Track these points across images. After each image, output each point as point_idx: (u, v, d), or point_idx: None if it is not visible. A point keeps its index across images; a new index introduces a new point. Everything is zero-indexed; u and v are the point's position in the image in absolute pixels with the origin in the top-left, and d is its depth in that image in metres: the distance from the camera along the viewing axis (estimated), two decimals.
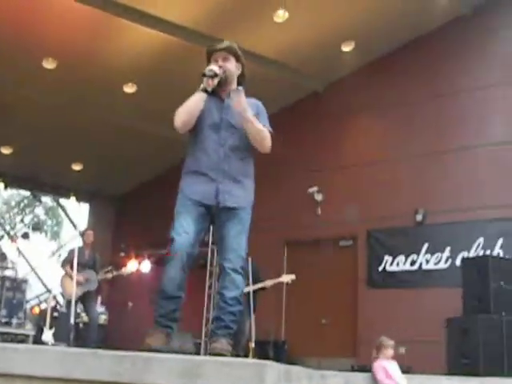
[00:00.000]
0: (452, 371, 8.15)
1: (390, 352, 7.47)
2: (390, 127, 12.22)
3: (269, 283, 9.24)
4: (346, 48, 11.74)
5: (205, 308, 12.78)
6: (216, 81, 4.30)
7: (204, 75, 4.29)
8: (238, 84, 4.46)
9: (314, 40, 11.37)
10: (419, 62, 11.77)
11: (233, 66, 4.44)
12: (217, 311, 4.15)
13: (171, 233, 4.15)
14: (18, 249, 13.95)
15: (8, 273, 11.45)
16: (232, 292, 4.12)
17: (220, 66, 4.35)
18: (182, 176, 4.37)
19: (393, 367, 7.39)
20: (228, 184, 4.25)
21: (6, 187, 15.43)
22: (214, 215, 4.27)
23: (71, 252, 10.33)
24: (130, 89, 12.09)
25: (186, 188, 4.29)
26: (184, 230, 4.13)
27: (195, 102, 4.28)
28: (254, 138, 4.29)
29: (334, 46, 11.64)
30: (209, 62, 4.45)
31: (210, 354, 3.96)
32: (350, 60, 12.15)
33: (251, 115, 4.26)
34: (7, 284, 10.98)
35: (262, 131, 4.30)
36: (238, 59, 4.49)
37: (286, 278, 9.30)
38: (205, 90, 4.27)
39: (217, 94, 4.37)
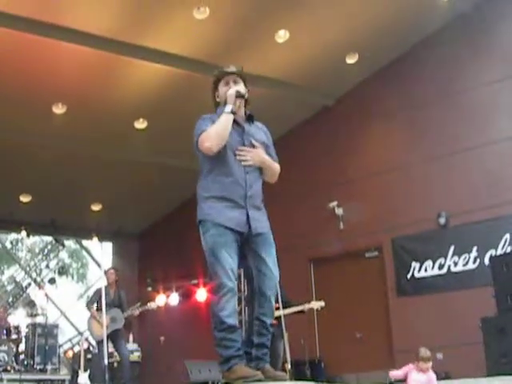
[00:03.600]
0: (492, 372, 8.03)
1: (426, 365, 7.05)
2: (402, 133, 12.18)
3: (301, 308, 9.22)
4: (351, 60, 11.74)
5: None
6: (239, 102, 4.28)
7: (239, 95, 4.24)
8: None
9: (317, 56, 11.37)
10: (424, 65, 11.72)
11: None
12: (259, 338, 4.21)
13: (219, 273, 4.04)
14: (46, 295, 13.95)
15: (38, 320, 11.46)
16: (271, 319, 4.25)
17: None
18: (205, 200, 4.24)
19: (418, 378, 7.06)
20: (253, 211, 4.24)
21: (28, 235, 15.49)
22: (243, 242, 4.24)
23: (96, 292, 10.34)
24: (140, 124, 12.15)
25: (216, 215, 4.16)
26: (231, 268, 4.08)
27: (227, 125, 4.17)
28: (270, 176, 4.42)
29: (338, 60, 11.63)
30: (216, 85, 4.42)
31: (272, 379, 4.03)
32: (356, 71, 12.17)
33: (269, 160, 4.35)
34: (39, 331, 10.99)
35: (277, 172, 4.43)
36: (245, 84, 4.43)
37: (316, 305, 9.30)
38: (233, 112, 4.21)
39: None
